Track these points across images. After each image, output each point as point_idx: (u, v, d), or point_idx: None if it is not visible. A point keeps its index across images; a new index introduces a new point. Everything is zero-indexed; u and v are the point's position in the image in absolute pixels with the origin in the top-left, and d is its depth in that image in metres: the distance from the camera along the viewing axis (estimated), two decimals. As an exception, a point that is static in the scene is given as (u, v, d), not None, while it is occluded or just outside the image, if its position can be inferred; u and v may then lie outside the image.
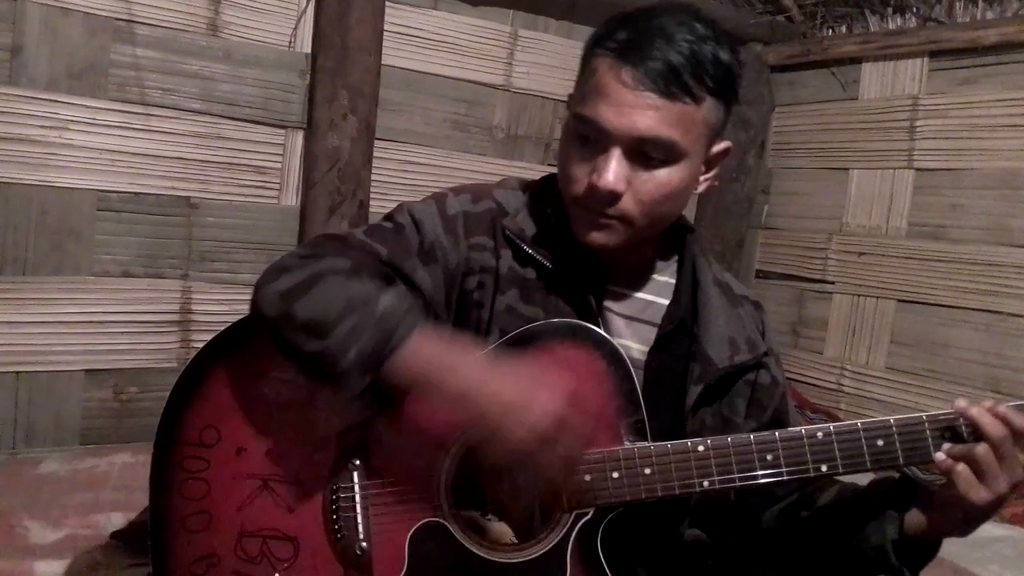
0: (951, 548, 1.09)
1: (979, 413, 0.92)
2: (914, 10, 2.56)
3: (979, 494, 0.90)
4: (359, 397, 0.90)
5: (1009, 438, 0.90)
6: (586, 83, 0.98)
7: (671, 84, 0.92)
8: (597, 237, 1.00)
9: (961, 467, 0.90)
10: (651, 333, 1.07)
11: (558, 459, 0.85)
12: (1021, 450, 0.91)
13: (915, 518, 0.97)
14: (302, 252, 1.01)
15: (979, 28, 2.33)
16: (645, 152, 0.95)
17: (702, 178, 1.05)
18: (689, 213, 2.87)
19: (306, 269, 0.96)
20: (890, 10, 2.62)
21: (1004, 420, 0.91)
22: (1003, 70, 2.32)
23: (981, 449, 0.90)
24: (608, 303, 1.07)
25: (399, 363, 0.88)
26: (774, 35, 2.83)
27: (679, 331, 1.07)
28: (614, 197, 0.96)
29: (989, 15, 2.38)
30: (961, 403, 0.94)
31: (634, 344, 1.07)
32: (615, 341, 1.00)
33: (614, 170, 0.95)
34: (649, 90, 0.92)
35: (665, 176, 0.97)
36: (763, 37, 2.82)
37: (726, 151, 1.05)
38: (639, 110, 0.93)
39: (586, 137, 0.98)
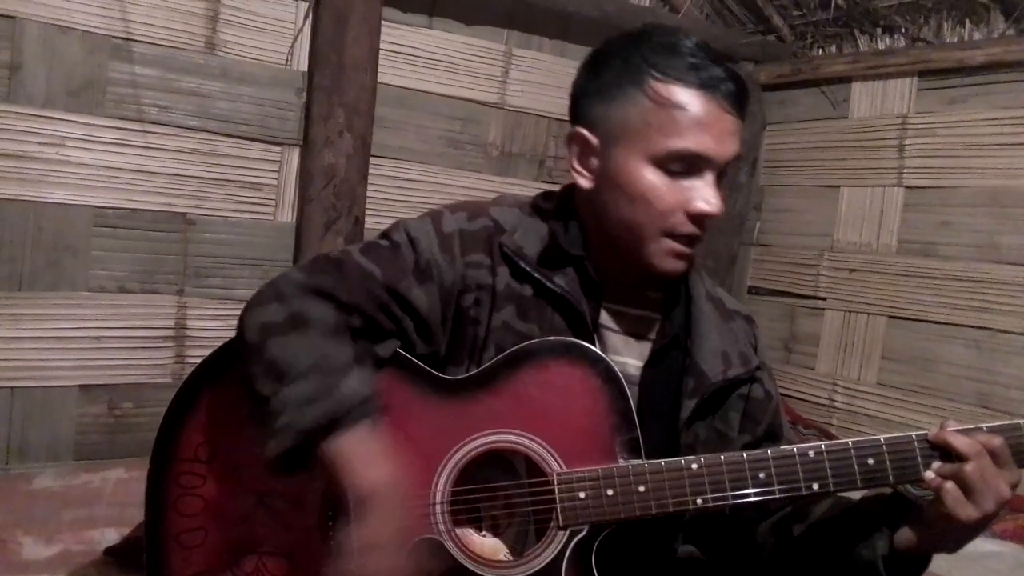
0: (942, 563, 1.10)
1: (953, 437, 0.93)
2: (903, 30, 2.59)
3: (966, 511, 0.91)
4: (270, 457, 0.92)
5: (988, 457, 0.92)
6: (670, 115, 0.96)
7: (743, 104, 0.99)
8: (678, 266, 1.02)
9: (949, 485, 0.91)
10: (646, 349, 1.08)
11: None
12: (1005, 469, 0.93)
13: (905, 534, 0.98)
14: (300, 279, 1.01)
15: (967, 48, 2.36)
16: (726, 173, 1.00)
17: None
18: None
19: (295, 305, 0.97)
20: (879, 30, 2.65)
21: (981, 443, 0.92)
22: (991, 89, 2.35)
23: (968, 468, 0.91)
24: (604, 320, 1.08)
25: (327, 447, 0.91)
26: (765, 55, 2.86)
27: (673, 346, 1.08)
28: (710, 220, 0.99)
29: (977, 36, 2.42)
30: (951, 424, 0.95)
31: (630, 360, 1.08)
32: (609, 359, 1.00)
33: (715, 193, 0.98)
34: (734, 114, 0.98)
35: (725, 189, 1.01)
36: (754, 56, 2.86)
37: None
38: (733, 135, 0.98)
39: (674, 171, 0.98)
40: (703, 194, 0.97)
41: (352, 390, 0.92)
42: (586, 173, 1.04)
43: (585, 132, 1.02)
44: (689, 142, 0.95)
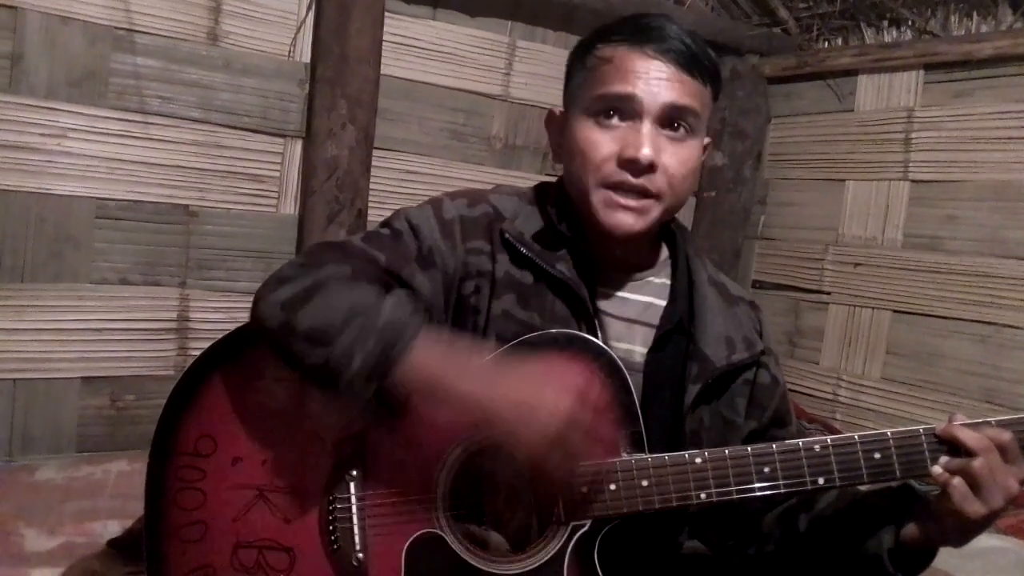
0: (946, 558, 1.10)
1: (962, 431, 0.93)
2: (909, 23, 2.58)
3: (974, 507, 0.90)
4: (365, 408, 0.91)
5: (996, 452, 0.91)
6: (598, 71, 1.02)
7: (690, 62, 1.00)
8: (624, 220, 1.00)
9: (957, 480, 0.91)
10: (650, 335, 1.08)
11: (568, 459, 0.87)
12: (1013, 464, 0.92)
13: (912, 527, 0.98)
14: (301, 261, 1.01)
15: (974, 41, 2.35)
16: (672, 124, 1.00)
17: None
18: (686, 223, 2.88)
19: (306, 278, 0.96)
20: (886, 23, 2.64)
21: (990, 438, 0.92)
22: (997, 83, 2.33)
23: (976, 463, 0.90)
24: (605, 307, 1.08)
25: (405, 370, 0.89)
26: (771, 47, 2.84)
27: (676, 331, 1.08)
28: (648, 168, 0.98)
29: (984, 28, 2.40)
30: (959, 418, 0.95)
31: (635, 347, 1.08)
32: (614, 347, 1.00)
33: (651, 140, 0.98)
34: (673, 64, 0.99)
35: (687, 150, 1.02)
36: (760, 49, 2.84)
37: (707, 145, 1.10)
38: (668, 81, 0.99)
39: (608, 118, 1.01)
40: (636, 140, 0.98)
41: (393, 312, 0.91)
42: (555, 147, 1.12)
43: (556, 110, 1.11)
44: (613, 86, 1.00)
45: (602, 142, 1.01)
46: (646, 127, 0.99)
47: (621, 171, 0.99)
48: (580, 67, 1.07)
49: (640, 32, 1.01)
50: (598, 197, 1.01)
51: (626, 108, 1.00)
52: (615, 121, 1.01)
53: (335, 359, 0.89)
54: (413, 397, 0.91)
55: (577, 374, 0.97)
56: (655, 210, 1.01)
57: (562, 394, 0.85)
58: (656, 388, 1.05)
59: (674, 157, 1.00)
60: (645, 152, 0.97)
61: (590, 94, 1.03)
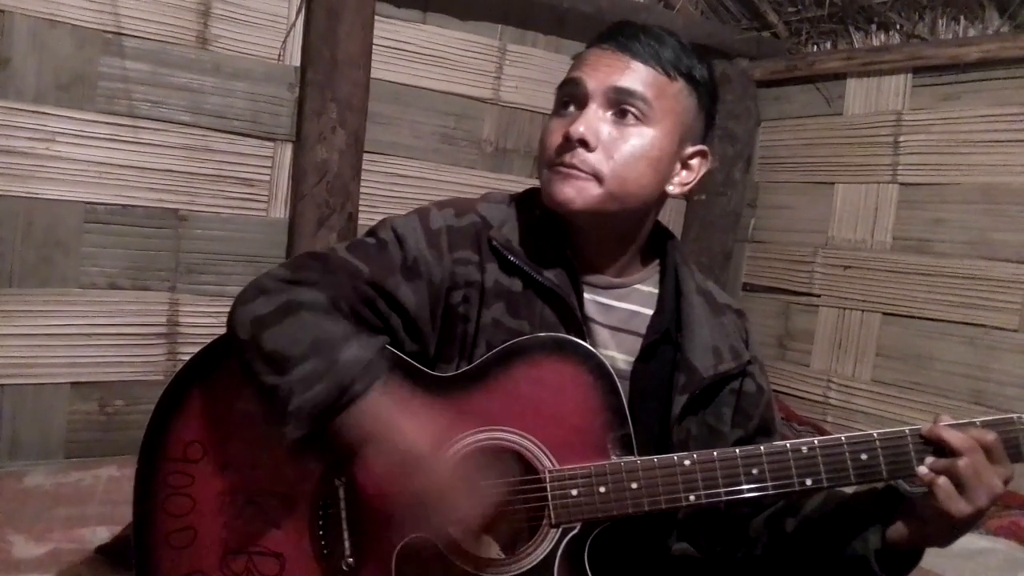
0: (936, 560, 1.10)
1: (947, 432, 0.93)
2: (898, 27, 2.59)
3: (959, 506, 0.91)
4: (300, 447, 0.91)
5: (981, 452, 0.92)
6: (568, 72, 1.07)
7: (646, 52, 1.02)
8: (563, 190, 1.01)
9: (942, 480, 0.92)
10: (636, 344, 1.08)
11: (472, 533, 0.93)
12: (998, 464, 0.93)
13: (898, 528, 0.98)
14: (283, 275, 1.00)
15: (962, 45, 2.36)
16: (620, 107, 1.01)
17: (677, 178, 1.07)
18: (676, 226, 2.89)
19: (282, 296, 0.96)
20: (874, 27, 2.65)
21: (975, 438, 0.92)
22: (985, 86, 2.35)
23: (961, 463, 0.91)
24: (592, 313, 1.08)
25: (346, 420, 0.90)
26: (760, 51, 2.86)
27: (663, 341, 1.08)
28: (583, 145, 1.00)
29: (971, 32, 2.41)
30: (944, 419, 0.95)
31: (619, 355, 1.07)
32: (601, 355, 1.00)
33: (586, 119, 1.01)
34: (626, 54, 1.02)
35: (636, 136, 1.01)
36: (749, 53, 2.85)
37: (702, 154, 1.09)
38: (616, 67, 1.02)
39: (563, 108, 1.05)
40: (577, 120, 1.01)
41: (354, 357, 0.91)
42: None
43: None
44: (568, 75, 1.06)
45: (554, 128, 1.05)
46: (589, 110, 1.02)
47: (559, 150, 1.02)
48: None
49: (608, 32, 1.05)
50: (544, 175, 1.05)
51: (575, 95, 1.04)
52: (569, 111, 1.05)
53: (283, 389, 0.90)
54: (350, 447, 0.92)
55: (564, 379, 0.98)
56: (593, 189, 1.01)
57: (476, 507, 0.91)
58: (643, 397, 1.05)
59: (619, 139, 1.01)
60: (575, 128, 1.00)
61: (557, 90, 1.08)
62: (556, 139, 1.03)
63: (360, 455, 0.91)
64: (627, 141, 1.01)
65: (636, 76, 1.01)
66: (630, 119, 1.01)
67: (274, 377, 0.91)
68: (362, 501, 0.97)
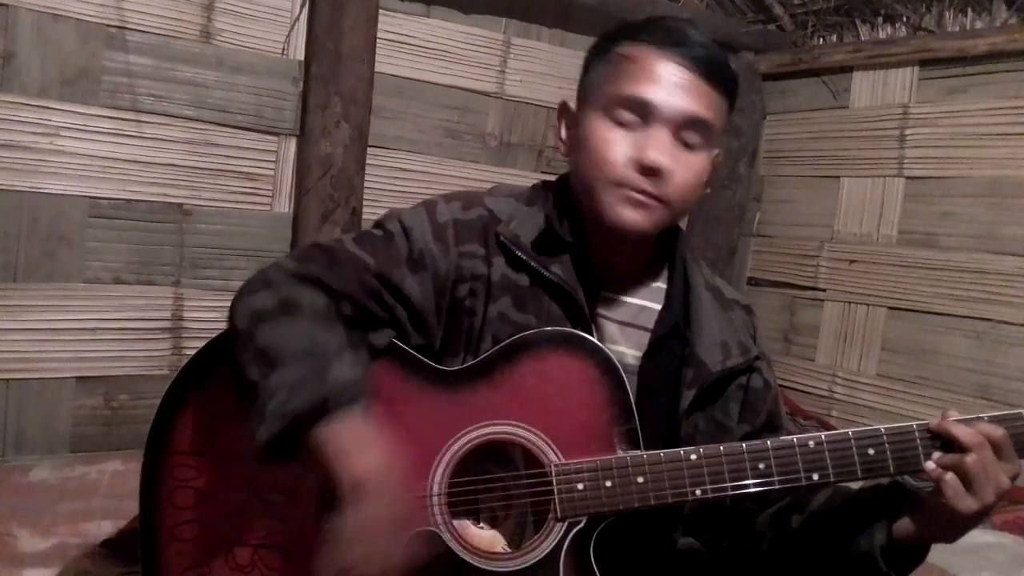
0: (942, 555, 1.10)
1: (955, 427, 0.93)
2: (904, 19, 2.58)
3: (966, 502, 0.91)
4: (259, 445, 0.89)
5: (989, 448, 0.91)
6: (619, 68, 1.01)
7: (713, 72, 0.99)
8: (632, 216, 0.99)
9: (949, 476, 0.91)
10: (644, 338, 1.07)
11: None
12: (1006, 460, 0.92)
13: (904, 524, 0.98)
14: (290, 267, 1.00)
15: (968, 37, 2.35)
16: (688, 133, 0.99)
17: None
18: (682, 220, 2.88)
19: (285, 292, 0.96)
20: (880, 19, 2.64)
21: (983, 434, 0.92)
22: (992, 79, 2.34)
23: (969, 459, 0.90)
24: (601, 309, 1.08)
25: (316, 433, 0.88)
26: (765, 44, 2.85)
27: (672, 336, 1.07)
28: (660, 174, 0.98)
29: (978, 24, 2.40)
30: (952, 414, 0.95)
31: (627, 350, 1.07)
32: (608, 349, 1.00)
33: (666, 147, 0.98)
34: (696, 74, 0.98)
35: (699, 162, 1.01)
36: (754, 46, 2.84)
37: (716, 155, 1.07)
38: (689, 91, 0.98)
39: (625, 119, 1.00)
40: (652, 145, 0.98)
41: (343, 374, 0.90)
42: (566, 141, 1.09)
43: (570, 103, 1.09)
44: (636, 89, 0.98)
45: (616, 142, 1.00)
46: (662, 133, 0.98)
47: (634, 174, 0.99)
48: (600, 61, 1.05)
49: (665, 34, 1.00)
50: (605, 196, 1.01)
51: (644, 111, 0.99)
52: (631, 120, 1.00)
53: (266, 387, 0.89)
54: (302, 459, 0.90)
55: (571, 373, 0.98)
56: (661, 213, 1.01)
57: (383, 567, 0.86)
58: (650, 392, 1.05)
59: (685, 167, 1.00)
60: (659, 159, 0.97)
61: (609, 91, 1.01)
62: (621, 156, 0.99)
63: (326, 469, 0.88)
64: (692, 168, 1.00)
65: (705, 102, 0.99)
66: (695, 143, 1.00)
67: (259, 374, 0.90)
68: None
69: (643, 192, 0.99)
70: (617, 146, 0.99)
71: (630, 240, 1.04)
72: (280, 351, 0.90)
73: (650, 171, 0.98)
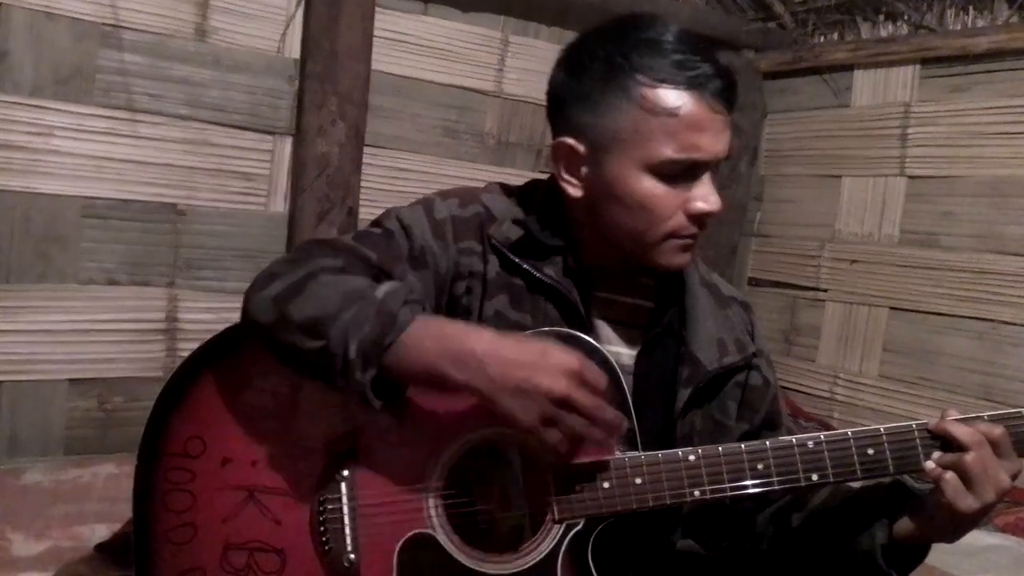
0: (944, 556, 1.09)
1: (954, 426, 0.92)
2: (905, 17, 2.57)
3: (966, 502, 0.90)
4: (364, 399, 0.88)
5: (988, 447, 0.91)
6: (663, 123, 0.94)
7: (733, 99, 0.98)
8: (687, 259, 1.02)
9: (949, 475, 0.91)
10: (640, 337, 1.07)
11: (568, 430, 0.86)
12: (1006, 459, 0.92)
13: (904, 523, 0.98)
14: (290, 257, 1.01)
15: (970, 36, 2.34)
16: (719, 166, 0.99)
17: None
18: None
19: (297, 271, 0.95)
20: (881, 17, 2.63)
21: (983, 433, 0.92)
22: (994, 77, 2.33)
23: (969, 458, 0.90)
24: (595, 309, 1.07)
25: (402, 352, 0.87)
26: (766, 42, 2.84)
27: (667, 334, 1.07)
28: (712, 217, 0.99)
29: (980, 23, 2.39)
30: (952, 413, 0.95)
31: (623, 349, 1.07)
32: (605, 349, 0.99)
33: (715, 192, 0.98)
34: (724, 112, 0.97)
35: (715, 185, 1.00)
36: (755, 44, 2.83)
37: None
38: (724, 133, 0.97)
39: (674, 177, 0.97)
40: (702, 194, 0.97)
41: (388, 295, 0.90)
42: (575, 182, 1.02)
43: (572, 142, 1.00)
44: (684, 149, 0.94)
45: (668, 198, 0.97)
46: (709, 180, 0.98)
47: (690, 224, 0.99)
48: (620, 98, 0.96)
49: (692, 70, 0.94)
50: (665, 246, 1.00)
51: (696, 167, 0.97)
52: (681, 175, 0.97)
53: (331, 347, 0.88)
54: (411, 387, 0.90)
55: None
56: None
57: (558, 374, 0.85)
58: (646, 391, 1.04)
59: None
60: (718, 207, 0.98)
61: (657, 152, 0.95)
62: (671, 213, 0.97)
63: (436, 373, 0.87)
64: (717, 194, 1.00)
65: (729, 134, 0.99)
66: (717, 176, 1.01)
67: (315, 342, 0.89)
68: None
69: (693, 239, 1.00)
70: (667, 202, 0.97)
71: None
72: (322, 312, 0.90)
73: (710, 218, 0.98)
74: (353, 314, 0.88)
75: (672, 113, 0.93)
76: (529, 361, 0.86)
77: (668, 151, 0.94)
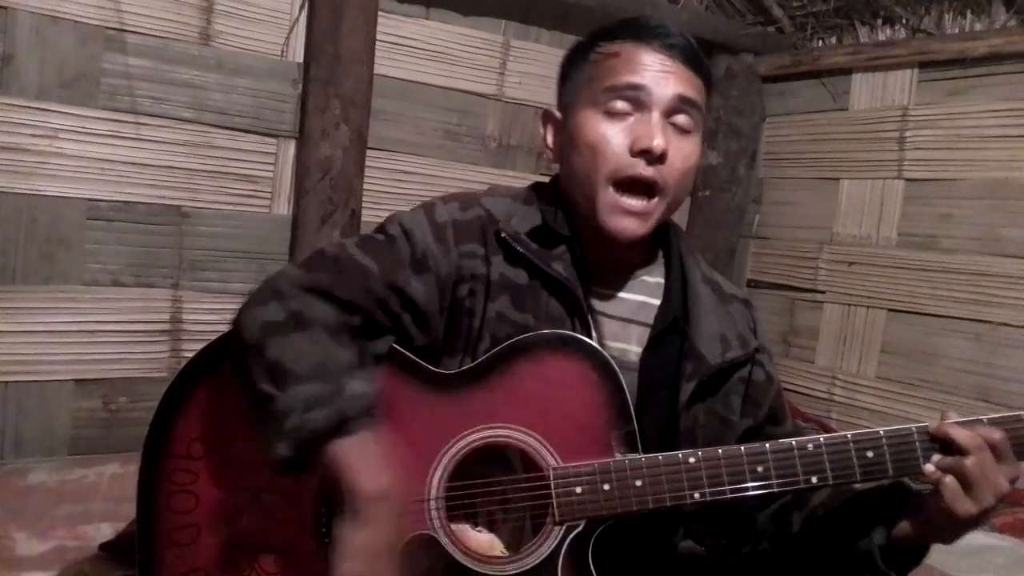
0: (942, 557, 1.10)
1: (954, 430, 0.93)
2: (903, 21, 2.58)
3: (965, 506, 0.91)
4: (272, 457, 0.88)
5: (988, 451, 0.91)
6: (605, 65, 1.03)
7: (692, 58, 1.02)
8: (628, 224, 1.01)
9: (949, 479, 0.91)
10: (645, 334, 1.08)
11: None
12: (1005, 463, 0.92)
13: (903, 525, 0.98)
14: (298, 277, 0.99)
15: (968, 39, 2.35)
16: (678, 117, 1.01)
17: None
18: (681, 222, 2.86)
19: (295, 305, 0.95)
20: (880, 21, 2.64)
21: (982, 437, 0.92)
22: (992, 81, 2.34)
23: (968, 462, 0.91)
24: (599, 305, 1.08)
25: (331, 450, 0.87)
26: (765, 46, 2.84)
27: (671, 330, 1.08)
28: (660, 158, 0.99)
29: (978, 27, 2.40)
30: (951, 416, 0.95)
31: (629, 346, 1.08)
32: (609, 347, 1.00)
33: (662, 131, 0.99)
34: (678, 60, 1.01)
35: (692, 144, 1.03)
36: (754, 48, 2.84)
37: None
38: (675, 74, 1.01)
39: (615, 108, 1.01)
40: (645, 131, 0.99)
41: (358, 391, 0.90)
42: (554, 147, 1.11)
43: (553, 110, 1.11)
44: (626, 77, 1.01)
45: (613, 134, 1.01)
46: (655, 117, 1.00)
47: (634, 162, 1.00)
48: (581, 64, 1.07)
49: (645, 29, 1.03)
50: (605, 199, 1.01)
51: (636, 98, 1.00)
52: (624, 109, 1.01)
53: (282, 404, 0.88)
54: (329, 475, 0.89)
55: (569, 376, 0.98)
56: (658, 211, 1.02)
57: None
58: (651, 387, 1.05)
59: (679, 151, 1.01)
60: (658, 142, 0.98)
61: (597, 87, 1.03)
62: (619, 146, 1.00)
63: (336, 482, 0.88)
64: (684, 152, 1.02)
65: (692, 84, 1.02)
66: (687, 125, 1.02)
67: (272, 388, 0.90)
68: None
69: (642, 184, 1.00)
70: (613, 138, 1.01)
71: (631, 243, 1.04)
72: (293, 367, 0.90)
73: (650, 154, 0.99)
74: (317, 390, 0.88)
75: (615, 54, 1.03)
76: (372, 553, 0.85)
77: (608, 81, 1.02)
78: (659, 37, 1.02)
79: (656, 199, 1.01)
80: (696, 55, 1.03)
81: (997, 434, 0.92)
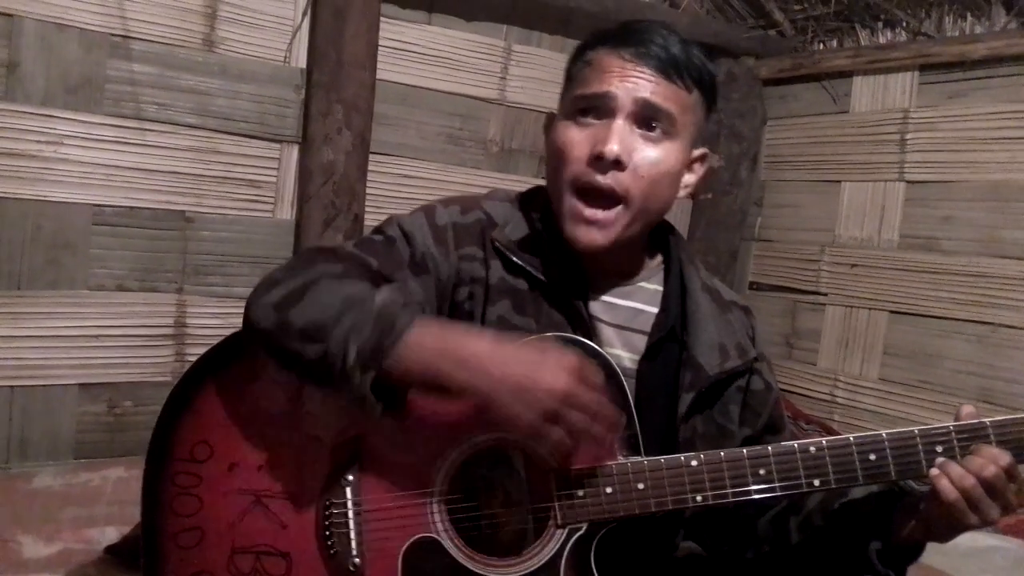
0: (944, 558, 1.10)
1: (969, 460, 0.92)
2: (904, 24, 2.58)
3: (970, 520, 0.91)
4: (363, 404, 0.89)
5: (997, 469, 0.91)
6: (580, 74, 1.04)
7: (667, 66, 1.00)
8: (587, 233, 1.00)
9: (956, 497, 0.90)
10: (641, 342, 1.08)
11: (570, 427, 0.87)
12: (1012, 481, 0.92)
13: (900, 525, 0.98)
14: (291, 264, 1.01)
15: (968, 42, 2.35)
16: (646, 122, 1.00)
17: (683, 181, 1.07)
18: (682, 225, 2.88)
19: (297, 278, 0.96)
20: (880, 24, 2.64)
21: (993, 462, 0.91)
22: (992, 83, 2.34)
23: (973, 484, 0.90)
24: (597, 313, 1.08)
25: (402, 355, 0.87)
26: (766, 49, 2.85)
27: (669, 339, 1.07)
28: (617, 165, 0.98)
29: (978, 29, 2.40)
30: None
31: (624, 353, 1.07)
32: (607, 354, 1.00)
33: (620, 136, 0.98)
34: (649, 67, 0.99)
35: (663, 152, 1.01)
36: (755, 51, 2.84)
37: (704, 157, 1.09)
38: (641, 80, 0.99)
39: (583, 116, 1.01)
40: (601, 136, 0.99)
41: (387, 300, 0.91)
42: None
43: (554, 116, 1.11)
44: (591, 87, 1.01)
45: (576, 141, 1.01)
46: (617, 123, 0.99)
47: (589, 170, 0.99)
48: (569, 72, 1.09)
49: (621, 36, 1.02)
50: (567, 205, 1.01)
51: (601, 106, 1.00)
52: (590, 120, 1.01)
53: (331, 351, 0.88)
54: (411, 389, 0.91)
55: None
56: (622, 220, 1.01)
57: (559, 372, 0.86)
58: (649, 396, 1.05)
59: (645, 157, 1.00)
60: (611, 147, 0.97)
61: (570, 96, 1.05)
62: (581, 152, 1.00)
63: (436, 374, 0.88)
64: (653, 158, 1.00)
65: (662, 92, 1.00)
66: (656, 135, 1.01)
67: (316, 347, 0.89)
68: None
69: (599, 192, 0.99)
70: (576, 146, 1.01)
71: (595, 253, 1.03)
72: (321, 319, 0.90)
73: (601, 160, 0.98)
74: (352, 319, 0.88)
75: (589, 63, 1.03)
76: (529, 359, 0.87)
77: (578, 91, 1.03)
78: (632, 44, 1.01)
79: (619, 208, 1.00)
80: (675, 61, 1.00)
81: (1006, 458, 0.91)
